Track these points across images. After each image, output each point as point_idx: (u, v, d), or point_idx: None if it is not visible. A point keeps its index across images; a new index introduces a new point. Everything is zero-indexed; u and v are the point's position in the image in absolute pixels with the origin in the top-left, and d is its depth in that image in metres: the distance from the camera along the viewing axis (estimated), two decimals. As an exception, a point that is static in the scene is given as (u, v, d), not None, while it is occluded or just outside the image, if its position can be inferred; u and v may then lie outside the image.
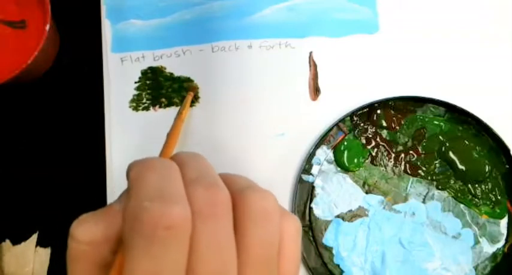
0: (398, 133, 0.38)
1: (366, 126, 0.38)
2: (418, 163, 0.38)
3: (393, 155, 0.38)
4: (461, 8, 0.40)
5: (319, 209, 0.37)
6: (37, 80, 0.38)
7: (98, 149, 0.37)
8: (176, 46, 0.39)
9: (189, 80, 0.38)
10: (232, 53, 0.39)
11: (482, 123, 0.37)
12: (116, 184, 0.37)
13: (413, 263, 0.36)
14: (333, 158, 0.38)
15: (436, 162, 0.38)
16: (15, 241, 0.37)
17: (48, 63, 0.38)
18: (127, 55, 0.39)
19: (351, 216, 0.37)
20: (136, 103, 0.38)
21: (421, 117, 0.38)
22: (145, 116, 0.38)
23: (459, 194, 0.37)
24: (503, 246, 0.37)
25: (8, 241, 0.37)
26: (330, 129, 0.37)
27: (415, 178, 0.38)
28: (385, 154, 0.38)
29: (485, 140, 0.38)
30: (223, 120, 0.38)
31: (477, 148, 0.38)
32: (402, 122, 0.38)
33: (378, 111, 0.38)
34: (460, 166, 0.38)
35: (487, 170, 0.37)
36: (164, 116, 0.38)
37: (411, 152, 0.38)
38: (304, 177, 0.37)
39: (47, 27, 0.34)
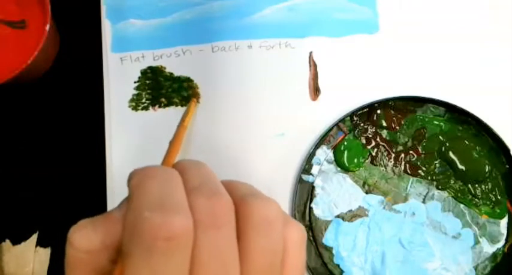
0: (398, 133, 0.38)
1: (366, 126, 0.38)
2: (418, 163, 0.38)
3: (393, 155, 0.38)
4: (461, 8, 0.40)
5: (319, 209, 0.37)
6: (37, 80, 0.38)
7: (97, 149, 0.37)
8: (176, 46, 0.39)
9: (189, 80, 0.38)
10: (232, 53, 0.39)
11: (482, 123, 0.37)
12: (115, 183, 0.37)
13: (413, 263, 0.36)
14: (333, 158, 0.38)
15: (436, 162, 0.38)
16: (15, 241, 0.37)
17: (48, 63, 0.38)
18: (127, 55, 0.39)
19: (351, 216, 0.37)
20: (136, 103, 0.38)
21: (421, 117, 0.38)
22: (144, 116, 0.38)
23: (459, 194, 0.37)
24: (503, 246, 0.37)
25: (8, 241, 0.37)
26: (330, 129, 0.37)
27: (415, 178, 0.38)
28: (385, 154, 0.38)
29: (485, 140, 0.38)
30: (223, 120, 0.38)
31: (477, 148, 0.38)
32: (402, 122, 0.38)
33: (378, 111, 0.38)
34: (460, 166, 0.38)
35: (487, 170, 0.37)
36: (164, 116, 0.38)
37: (411, 152, 0.38)
38: (304, 177, 0.37)
39: (47, 27, 0.34)
